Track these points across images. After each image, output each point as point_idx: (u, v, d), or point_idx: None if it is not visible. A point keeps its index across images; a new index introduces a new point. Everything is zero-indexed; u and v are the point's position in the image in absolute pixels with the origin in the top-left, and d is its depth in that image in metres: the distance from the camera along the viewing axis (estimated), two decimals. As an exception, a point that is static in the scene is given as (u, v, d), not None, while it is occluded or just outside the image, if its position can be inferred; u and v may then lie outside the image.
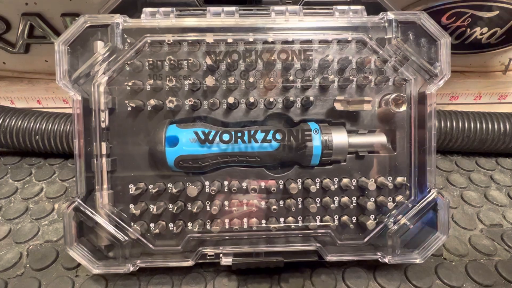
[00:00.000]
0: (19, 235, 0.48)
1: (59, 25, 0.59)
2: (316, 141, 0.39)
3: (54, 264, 0.44)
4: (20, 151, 0.62)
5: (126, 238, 0.38)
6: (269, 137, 0.38)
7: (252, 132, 0.38)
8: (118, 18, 0.37)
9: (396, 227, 0.39)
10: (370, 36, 0.39)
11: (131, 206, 0.40)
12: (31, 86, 0.65)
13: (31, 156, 0.64)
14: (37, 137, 0.58)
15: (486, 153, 0.64)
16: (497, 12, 0.59)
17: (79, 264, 0.43)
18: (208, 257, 0.40)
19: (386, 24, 0.38)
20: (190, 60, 0.38)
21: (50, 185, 0.58)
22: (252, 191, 0.39)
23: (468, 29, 0.61)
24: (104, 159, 0.39)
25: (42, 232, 0.49)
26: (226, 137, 0.37)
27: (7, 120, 0.58)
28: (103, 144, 0.39)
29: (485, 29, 0.61)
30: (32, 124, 0.58)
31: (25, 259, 0.44)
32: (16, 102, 0.66)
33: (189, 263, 0.39)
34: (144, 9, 0.39)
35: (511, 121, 0.60)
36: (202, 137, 0.37)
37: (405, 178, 0.41)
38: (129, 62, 0.38)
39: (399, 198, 0.41)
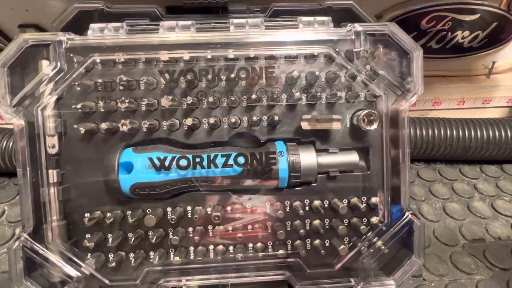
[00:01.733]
0: (-27, 265, 0.45)
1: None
2: (283, 163, 0.36)
3: (9, 299, 0.41)
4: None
5: (79, 274, 0.35)
6: (231, 161, 0.35)
7: (212, 156, 0.35)
8: (61, 36, 0.34)
9: (370, 251, 0.37)
10: (337, 49, 0.36)
11: (88, 235, 0.38)
12: (-9, 101, 0.62)
13: (-5, 175, 0.60)
14: (-3, 156, 0.55)
15: (470, 161, 0.62)
16: (478, 14, 0.57)
17: (36, 299, 0.40)
18: (170, 291, 0.37)
19: (353, 36, 0.35)
20: (144, 79, 0.35)
21: (12, 207, 0.54)
22: (215, 219, 0.36)
23: (449, 33, 0.59)
24: (53, 188, 0.36)
25: (-1, 261, 0.46)
26: (183, 162, 0.35)
27: (-36, 140, 0.54)
28: (52, 172, 0.36)
29: (466, 33, 0.59)
30: (-10, 143, 0.54)
31: (-23, 294, 0.42)
32: (-23, 119, 0.63)
33: (149, 297, 0.36)
34: (91, 25, 0.36)
35: (494, 128, 0.58)
36: (158, 163, 0.34)
37: (379, 198, 0.38)
38: (76, 83, 0.35)
39: (374, 219, 0.39)
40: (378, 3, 0.55)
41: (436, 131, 0.58)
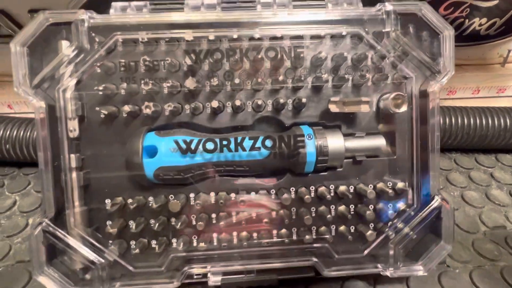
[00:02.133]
0: (-12, 255, 0.44)
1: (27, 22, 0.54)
2: (310, 147, 0.35)
3: (26, 288, 0.40)
4: (-8, 160, 0.57)
5: (103, 260, 0.34)
6: (258, 144, 0.34)
7: (239, 139, 0.34)
8: (83, 14, 0.33)
9: (398, 237, 0.37)
10: (366, 29, 0.35)
11: (108, 223, 0.37)
12: (0, 90, 0.60)
13: (4, 165, 0.59)
14: (7, 145, 0.54)
15: (485, 150, 0.62)
16: (496, 1, 0.56)
17: None
18: (195, 277, 0.36)
19: (384, 16, 0.35)
20: (168, 60, 0.34)
21: (24, 197, 0.53)
22: (241, 204, 0.36)
23: (467, 20, 0.58)
24: (74, 173, 0.35)
25: (14, 251, 0.44)
26: (210, 145, 0.34)
27: (-26, 128, 0.53)
28: (73, 156, 0.35)
29: (483, 20, 0.58)
30: (1, 132, 0.53)
31: (-6, 283, 0.40)
32: (-16, 107, 0.61)
33: (174, 284, 0.35)
34: (113, 4, 0.35)
35: (511, 116, 0.58)
36: (184, 146, 0.33)
37: (406, 183, 0.38)
38: (98, 64, 0.34)
39: (400, 205, 0.38)
40: (397, -12, 0.54)
41: (453, 120, 0.57)
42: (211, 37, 0.34)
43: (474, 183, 0.56)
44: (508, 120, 0.57)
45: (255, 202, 0.37)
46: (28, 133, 0.54)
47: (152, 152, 0.34)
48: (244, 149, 0.34)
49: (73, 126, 0.35)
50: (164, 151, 0.34)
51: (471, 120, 0.57)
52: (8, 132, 0.53)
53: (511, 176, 0.58)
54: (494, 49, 0.64)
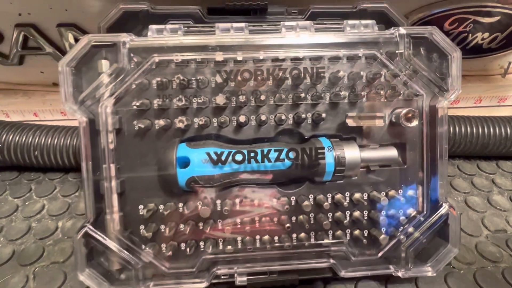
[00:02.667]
0: (24, 257, 0.47)
1: (55, 36, 0.57)
2: (329, 158, 0.38)
3: (63, 287, 0.43)
4: (18, 166, 0.60)
5: (138, 262, 0.37)
6: (283, 156, 0.37)
7: (266, 151, 0.37)
8: (125, 37, 0.36)
9: (409, 241, 0.40)
10: (381, 51, 0.38)
11: (141, 227, 0.40)
12: (26, 98, 0.63)
13: (30, 170, 0.62)
14: (36, 152, 0.57)
15: (487, 157, 0.65)
16: (498, 17, 0.59)
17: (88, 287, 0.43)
18: (222, 277, 0.39)
19: (397, 39, 0.38)
20: (201, 77, 0.37)
21: (51, 201, 0.56)
22: (265, 209, 0.39)
23: (470, 35, 0.61)
24: (113, 181, 0.38)
25: (47, 252, 0.47)
26: (239, 157, 0.37)
27: (4, 136, 0.56)
28: (112, 166, 0.38)
29: (486, 34, 0.62)
30: (31, 139, 0.56)
31: (32, 283, 0.43)
32: (11, 115, 0.64)
33: (204, 284, 0.38)
34: (150, 26, 0.38)
35: (511, 125, 0.61)
36: (215, 158, 0.36)
37: (416, 191, 0.41)
38: (136, 82, 0.37)
39: (410, 211, 0.41)
40: (405, 5, 0.57)
41: (457, 129, 0.60)
42: (239, 58, 0.37)
43: (476, 188, 0.60)
44: (508, 129, 0.61)
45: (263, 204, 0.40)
46: (56, 140, 0.57)
47: (184, 162, 0.37)
48: (269, 160, 0.37)
49: (111, 138, 0.38)
50: (196, 162, 0.37)
51: (474, 129, 0.60)
52: (37, 140, 0.56)
53: (511, 182, 0.61)
54: (495, 61, 0.68)
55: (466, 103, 0.69)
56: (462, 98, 0.69)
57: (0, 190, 0.58)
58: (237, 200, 0.40)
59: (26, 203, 0.56)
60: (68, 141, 0.57)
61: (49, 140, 0.57)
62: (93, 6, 0.54)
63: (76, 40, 0.57)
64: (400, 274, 0.39)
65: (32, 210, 0.54)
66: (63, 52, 0.60)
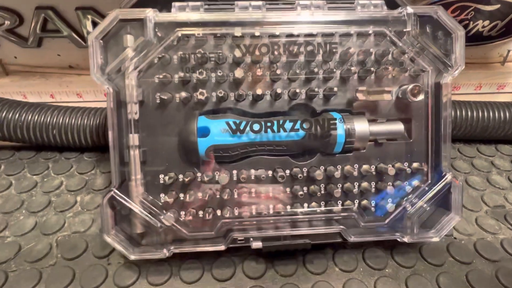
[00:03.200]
0: (46, 227, 0.49)
1: (73, 19, 0.59)
2: (340, 130, 0.41)
3: (85, 254, 0.45)
4: (36, 145, 0.62)
5: (161, 225, 0.40)
6: (297, 126, 0.39)
7: (281, 121, 0.39)
8: (151, 12, 0.38)
9: (414, 210, 0.42)
10: (389, 29, 0.41)
11: (162, 195, 0.42)
12: (44, 80, 0.65)
13: (46, 150, 0.64)
14: (54, 131, 0.59)
15: (486, 141, 0.68)
16: (498, 6, 0.62)
17: (110, 253, 0.45)
18: (238, 242, 0.42)
19: (405, 17, 0.40)
20: (220, 52, 0.40)
21: (69, 178, 0.58)
22: (280, 178, 0.41)
23: (471, 22, 0.64)
24: (137, 150, 0.40)
25: (68, 223, 0.50)
26: (256, 127, 0.39)
27: (24, 115, 0.58)
28: (136, 136, 0.40)
29: (486, 22, 0.64)
30: (49, 119, 0.58)
31: (55, 250, 0.46)
32: (29, 96, 0.66)
33: (222, 247, 0.41)
34: (173, 4, 0.40)
35: (510, 110, 0.64)
36: (234, 127, 0.39)
37: (422, 163, 0.44)
38: (160, 56, 0.39)
39: (415, 182, 0.44)
40: (409, -8, 0.60)
41: (458, 112, 0.63)
42: (257, 34, 0.40)
43: (476, 169, 0.62)
44: (507, 114, 0.63)
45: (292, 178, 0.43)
46: (73, 120, 0.59)
47: (204, 132, 0.40)
48: (285, 130, 0.39)
49: (135, 110, 0.40)
50: (216, 131, 0.39)
51: (474, 113, 0.63)
52: (55, 119, 0.58)
53: (509, 163, 0.64)
54: (495, 49, 0.70)
55: (467, 89, 0.72)
56: (463, 84, 0.71)
57: (19, 168, 0.60)
58: (253, 171, 0.43)
59: (45, 180, 0.58)
60: (85, 121, 0.59)
61: (67, 120, 0.59)
62: (111, -10, 0.56)
63: (95, 24, 0.60)
64: (406, 239, 0.42)
65: (51, 186, 0.56)
66: (81, 36, 0.62)
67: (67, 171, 0.60)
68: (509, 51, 0.70)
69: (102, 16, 0.59)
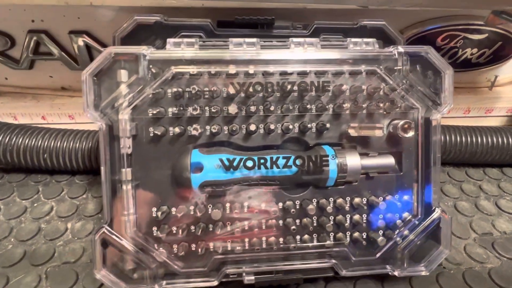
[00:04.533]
0: (35, 257, 0.48)
1: (66, 42, 0.59)
2: (333, 165, 0.41)
3: (75, 286, 0.44)
4: (24, 168, 0.61)
5: (152, 261, 0.40)
6: (290, 162, 0.40)
7: (274, 158, 0.40)
8: (145, 49, 0.38)
9: (404, 243, 0.43)
10: (380, 67, 0.42)
11: (154, 229, 0.42)
12: (35, 102, 0.65)
13: (36, 173, 0.63)
14: (45, 155, 0.58)
15: (475, 164, 0.69)
16: (486, 34, 0.64)
17: (100, 286, 0.44)
18: (231, 276, 0.42)
19: (396, 56, 0.41)
20: (214, 88, 0.40)
21: (60, 203, 0.58)
22: (273, 213, 0.41)
23: (460, 50, 0.66)
24: (129, 185, 0.40)
25: (58, 253, 0.49)
26: (249, 163, 0.39)
27: (14, 138, 0.57)
28: (128, 170, 0.40)
29: (475, 50, 0.66)
30: (40, 142, 0.58)
31: (44, 282, 0.45)
32: (20, 118, 0.65)
33: (214, 282, 0.41)
34: (168, 40, 0.40)
35: (497, 135, 0.65)
36: (227, 163, 0.39)
37: (411, 196, 0.44)
38: (154, 92, 0.39)
39: (405, 215, 0.45)
40: (399, 22, 0.61)
41: (447, 138, 0.64)
42: (251, 71, 0.40)
43: (465, 194, 0.64)
44: (494, 139, 0.65)
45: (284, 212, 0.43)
46: (65, 144, 0.58)
47: (198, 167, 0.40)
48: (278, 167, 0.40)
49: (128, 144, 0.40)
50: (209, 167, 0.39)
51: (463, 138, 0.64)
52: (46, 143, 0.58)
53: (497, 188, 0.65)
54: (483, 74, 0.72)
55: (456, 113, 0.73)
56: (452, 108, 0.72)
57: (8, 191, 0.59)
58: (246, 204, 0.43)
59: (35, 205, 0.57)
60: (77, 144, 0.58)
61: (58, 143, 0.58)
62: (105, 15, 0.56)
63: (87, 45, 0.59)
64: (396, 273, 0.43)
65: (41, 212, 0.56)
66: (73, 58, 0.61)
67: (57, 195, 0.59)
68: (496, 76, 0.72)
69: (95, 40, 0.59)
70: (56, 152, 0.58)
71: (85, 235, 0.52)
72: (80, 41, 0.59)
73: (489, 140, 0.65)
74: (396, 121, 0.43)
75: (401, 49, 0.41)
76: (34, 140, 0.57)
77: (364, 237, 0.45)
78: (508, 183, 0.67)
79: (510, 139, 0.65)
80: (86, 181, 0.62)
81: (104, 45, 0.59)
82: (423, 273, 0.43)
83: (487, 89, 0.74)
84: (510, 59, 0.70)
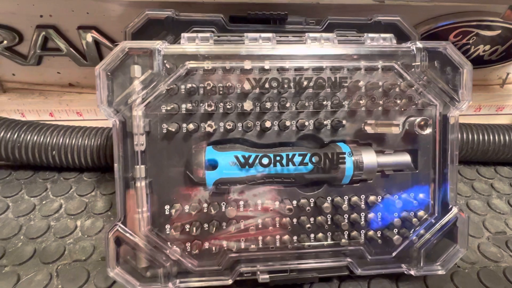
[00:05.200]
0: (46, 255, 0.48)
1: (75, 38, 0.58)
2: (349, 163, 0.41)
3: (87, 285, 0.44)
4: (33, 165, 0.61)
5: (166, 259, 0.39)
6: (306, 160, 0.39)
7: (290, 155, 0.39)
8: (160, 45, 0.37)
9: (420, 242, 0.42)
10: (398, 63, 0.41)
11: (167, 227, 0.41)
12: (43, 98, 0.64)
13: (44, 169, 0.63)
14: (53, 152, 0.57)
15: (486, 162, 0.69)
16: (499, 31, 0.63)
17: (112, 284, 0.44)
18: (245, 275, 0.41)
19: (414, 52, 0.40)
20: (229, 84, 0.39)
21: (68, 200, 0.57)
22: (288, 211, 0.41)
23: (472, 47, 0.65)
24: (143, 182, 0.39)
25: (68, 251, 0.48)
26: (265, 160, 0.39)
27: (22, 135, 0.57)
28: (142, 167, 0.39)
29: (487, 47, 0.65)
30: (48, 139, 0.57)
31: (55, 280, 0.44)
32: (27, 115, 0.65)
33: (229, 281, 0.40)
34: (182, 34, 0.39)
35: (509, 133, 0.65)
36: (242, 161, 0.38)
37: (427, 194, 0.44)
38: (168, 88, 0.39)
39: (421, 213, 0.44)
40: (412, 18, 0.60)
41: (459, 135, 0.63)
42: (266, 67, 0.39)
43: (477, 192, 0.63)
44: (507, 137, 0.64)
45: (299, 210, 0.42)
46: (74, 141, 0.58)
47: (213, 165, 0.39)
48: (294, 164, 0.39)
49: (142, 141, 0.39)
50: (224, 165, 0.39)
51: (475, 136, 0.64)
52: (54, 140, 0.57)
53: (509, 187, 0.65)
54: (495, 72, 0.71)
55: (467, 111, 0.72)
56: (463, 106, 0.72)
57: (16, 189, 0.59)
58: (259, 201, 0.42)
59: (43, 202, 0.57)
60: (86, 141, 0.58)
61: (67, 140, 0.58)
62: (114, 10, 0.55)
63: (95, 41, 0.58)
64: (412, 272, 0.42)
65: (50, 209, 0.55)
66: (81, 54, 0.61)
67: (66, 192, 0.59)
68: (508, 74, 0.71)
69: (104, 35, 0.58)
70: (64, 149, 0.58)
71: (95, 233, 0.51)
72: (89, 37, 0.58)
73: (501, 138, 0.64)
74: (412, 118, 0.42)
75: (419, 44, 0.40)
76: (42, 137, 0.57)
77: (379, 235, 0.44)
78: (520, 181, 0.66)
79: (522, 137, 0.64)
80: (95, 178, 0.61)
81: (113, 41, 0.58)
82: (440, 272, 0.42)
83: (498, 86, 0.73)
84: (523, 56, 0.69)
